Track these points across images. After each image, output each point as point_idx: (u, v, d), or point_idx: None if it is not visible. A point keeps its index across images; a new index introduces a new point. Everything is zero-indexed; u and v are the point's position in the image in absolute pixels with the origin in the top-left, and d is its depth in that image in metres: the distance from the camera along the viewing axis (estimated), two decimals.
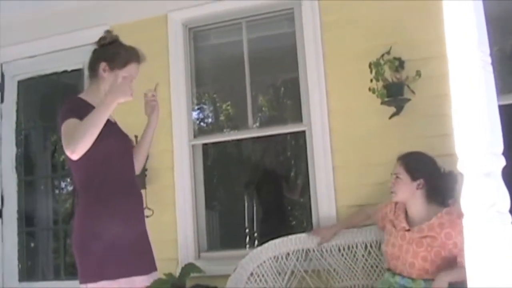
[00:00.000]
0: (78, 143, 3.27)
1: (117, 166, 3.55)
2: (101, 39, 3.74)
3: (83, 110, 3.46)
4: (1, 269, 6.18)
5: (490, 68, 1.90)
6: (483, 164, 1.83)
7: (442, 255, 3.79)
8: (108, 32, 3.77)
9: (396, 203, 4.19)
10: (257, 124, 5.68)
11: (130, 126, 4.02)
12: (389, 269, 4.06)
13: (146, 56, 3.76)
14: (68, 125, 3.39)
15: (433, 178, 4.00)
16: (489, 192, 1.81)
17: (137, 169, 3.88)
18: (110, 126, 3.51)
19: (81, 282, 3.42)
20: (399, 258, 3.94)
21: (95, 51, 3.75)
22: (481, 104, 1.85)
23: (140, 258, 3.56)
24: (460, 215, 3.76)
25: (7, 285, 6.16)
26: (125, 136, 3.79)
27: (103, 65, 3.63)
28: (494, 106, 1.87)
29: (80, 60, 5.94)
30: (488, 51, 1.91)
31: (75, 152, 3.29)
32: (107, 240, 3.42)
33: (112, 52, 3.65)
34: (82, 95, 3.68)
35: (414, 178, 3.99)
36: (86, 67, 3.81)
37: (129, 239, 3.50)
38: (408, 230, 3.95)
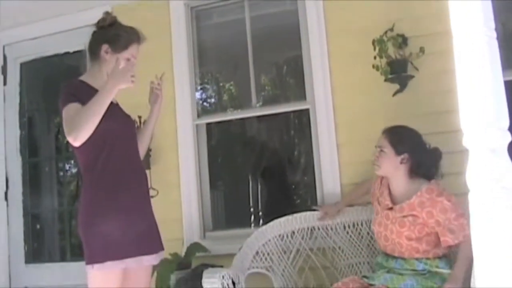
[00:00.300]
0: (80, 130, 3.28)
1: (120, 147, 3.54)
2: (100, 21, 3.71)
3: (84, 93, 3.46)
4: (8, 251, 6.21)
5: (495, 43, 1.89)
6: (489, 139, 1.82)
7: (426, 231, 3.80)
8: (107, 13, 3.74)
9: (381, 179, 4.18)
10: (261, 103, 5.66)
11: (133, 107, 4.01)
12: (381, 252, 4.08)
13: (146, 36, 3.74)
14: (69, 111, 3.38)
15: (418, 153, 3.98)
16: (495, 168, 1.80)
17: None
18: (112, 108, 3.49)
19: (87, 263, 3.42)
20: (387, 238, 3.94)
21: (94, 33, 3.73)
22: (487, 79, 1.84)
23: (146, 238, 3.55)
24: (440, 193, 3.78)
25: (14, 267, 6.20)
26: (127, 117, 3.78)
27: (104, 47, 3.60)
28: (499, 82, 1.86)
29: (82, 41, 5.90)
30: (493, 26, 1.89)
31: (77, 139, 3.31)
32: (113, 220, 3.42)
33: (113, 34, 3.63)
34: (83, 78, 3.66)
35: (398, 152, 3.96)
36: (87, 49, 3.78)
37: (135, 219, 3.50)
38: (391, 208, 3.95)
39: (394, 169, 3.98)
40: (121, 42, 3.61)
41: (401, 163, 3.96)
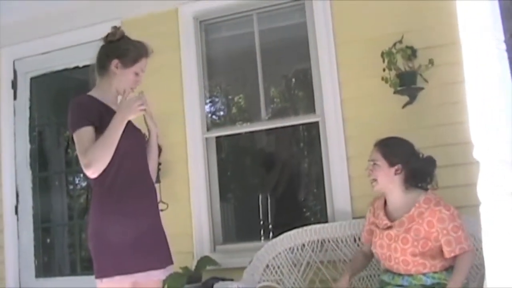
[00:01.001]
0: (97, 166, 3.38)
1: (130, 162, 3.54)
2: (109, 35, 3.71)
3: (93, 109, 3.49)
4: (18, 265, 6.22)
5: (505, 55, 1.89)
6: (500, 151, 1.81)
7: (429, 245, 3.78)
8: (115, 27, 3.74)
9: (374, 203, 4.17)
10: (270, 115, 5.66)
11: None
12: (386, 270, 4.04)
13: (154, 49, 3.76)
14: (82, 138, 3.42)
15: (411, 162, 3.96)
16: (507, 180, 1.80)
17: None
18: None
19: (96, 277, 3.42)
20: (391, 258, 3.91)
21: (103, 47, 3.73)
22: (496, 91, 1.84)
23: (155, 252, 3.54)
24: (438, 203, 3.76)
25: (24, 281, 6.20)
26: (137, 131, 3.78)
27: (115, 62, 3.61)
28: (509, 93, 1.86)
29: (91, 55, 5.89)
30: (502, 38, 1.89)
31: (95, 173, 3.40)
32: (122, 234, 3.41)
33: (122, 48, 3.64)
34: (92, 93, 3.66)
35: (391, 163, 3.94)
36: (95, 64, 3.77)
37: (144, 233, 3.49)
38: (390, 227, 3.92)
39: (389, 181, 3.95)
40: (131, 56, 3.62)
41: (395, 174, 3.93)
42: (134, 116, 3.46)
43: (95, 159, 3.35)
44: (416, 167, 3.96)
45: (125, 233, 3.42)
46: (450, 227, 3.74)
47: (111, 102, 3.63)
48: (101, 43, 3.76)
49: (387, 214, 4.01)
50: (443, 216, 3.76)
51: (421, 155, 4.02)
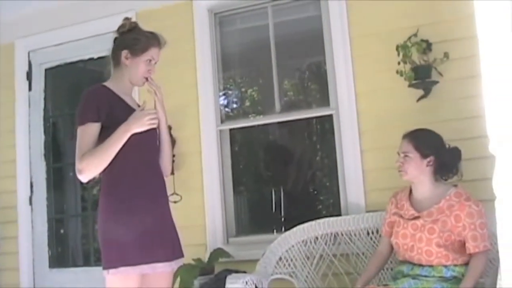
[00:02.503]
0: (89, 174, 3.47)
1: (139, 152, 3.53)
2: (120, 27, 3.75)
3: (104, 102, 3.51)
4: (32, 256, 6.26)
5: None
6: None
7: (452, 239, 3.79)
8: (127, 19, 3.77)
9: (396, 195, 4.17)
10: (284, 108, 5.65)
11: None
12: (403, 261, 4.02)
13: (168, 41, 3.77)
14: (84, 134, 3.46)
15: (442, 154, 3.97)
16: None
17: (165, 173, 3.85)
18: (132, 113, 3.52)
19: (103, 268, 3.44)
20: (413, 248, 3.89)
21: (115, 40, 3.77)
22: None
23: (163, 244, 3.54)
24: (468, 198, 3.77)
25: (38, 272, 6.24)
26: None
27: (124, 53, 3.64)
28: None
29: (106, 47, 5.87)
30: None
31: (86, 179, 3.49)
32: (129, 226, 3.43)
33: (132, 38, 3.66)
34: (106, 83, 3.69)
35: (424, 155, 3.95)
36: (110, 56, 3.80)
37: (152, 225, 3.49)
38: (417, 217, 3.92)
39: (420, 173, 3.96)
40: (140, 45, 3.64)
41: (427, 166, 3.94)
42: (140, 130, 3.44)
43: (89, 168, 3.42)
44: (445, 159, 3.98)
45: (131, 225, 3.44)
46: (478, 223, 3.75)
47: (124, 93, 3.66)
48: (115, 35, 3.78)
49: (413, 204, 4.01)
50: (472, 212, 3.76)
51: (448, 146, 4.04)
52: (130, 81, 3.69)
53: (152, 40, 3.68)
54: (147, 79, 3.67)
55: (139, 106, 3.67)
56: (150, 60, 3.66)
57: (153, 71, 3.70)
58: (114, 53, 3.73)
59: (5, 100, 6.45)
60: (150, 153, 3.68)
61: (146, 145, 3.63)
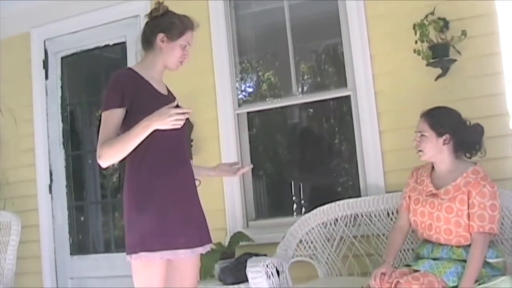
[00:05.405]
0: (107, 162, 3.47)
1: (167, 138, 3.50)
2: (153, 10, 3.72)
3: (130, 87, 3.49)
4: (53, 243, 6.32)
5: None
6: None
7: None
8: (159, 3, 3.74)
9: (417, 170, 4.14)
10: (301, 90, 5.64)
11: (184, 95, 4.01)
12: (423, 242, 4.01)
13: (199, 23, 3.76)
14: (107, 120, 3.46)
15: (459, 131, 3.93)
16: None
17: None
18: (161, 100, 3.50)
19: (127, 253, 3.45)
20: (431, 227, 3.88)
21: (147, 23, 3.74)
22: None
23: (185, 232, 3.52)
24: (485, 177, 3.74)
25: (60, 259, 6.29)
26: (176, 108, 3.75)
27: (160, 36, 3.62)
28: None
29: (122, 33, 5.98)
30: None
31: (101, 163, 3.48)
32: (150, 211, 3.43)
33: (168, 22, 3.64)
34: (134, 67, 3.68)
35: (439, 134, 3.91)
36: (139, 40, 3.76)
37: (178, 212, 3.49)
38: (435, 194, 3.89)
39: (437, 152, 3.93)
40: (176, 29, 3.62)
41: (443, 144, 3.91)
42: (162, 127, 3.34)
43: (107, 157, 3.42)
44: (464, 136, 3.94)
45: (154, 210, 3.44)
46: (489, 204, 3.72)
47: (151, 77, 3.63)
48: (146, 19, 3.77)
49: (433, 181, 3.98)
50: (485, 191, 3.74)
51: (468, 123, 4.00)
52: (165, 65, 3.67)
53: (187, 23, 3.68)
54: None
55: (174, 98, 3.62)
56: (185, 46, 3.65)
57: (188, 56, 3.69)
58: (147, 37, 3.69)
59: (22, 90, 6.48)
60: (177, 140, 3.65)
61: (174, 133, 3.57)
